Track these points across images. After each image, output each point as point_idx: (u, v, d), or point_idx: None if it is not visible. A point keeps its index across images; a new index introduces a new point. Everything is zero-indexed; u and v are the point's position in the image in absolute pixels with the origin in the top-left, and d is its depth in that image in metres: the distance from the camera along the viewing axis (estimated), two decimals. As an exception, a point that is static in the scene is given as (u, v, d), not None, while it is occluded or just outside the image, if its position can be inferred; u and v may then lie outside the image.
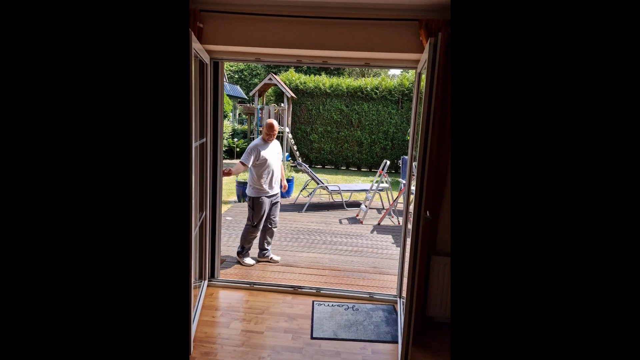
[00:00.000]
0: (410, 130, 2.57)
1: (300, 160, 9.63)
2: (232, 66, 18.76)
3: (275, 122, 3.21)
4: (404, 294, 2.58)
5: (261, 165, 3.16)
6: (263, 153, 3.15)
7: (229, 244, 3.94)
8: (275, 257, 3.47)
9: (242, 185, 6.14)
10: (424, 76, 2.05)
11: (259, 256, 3.42)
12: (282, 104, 10.04)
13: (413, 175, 2.41)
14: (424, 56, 1.96)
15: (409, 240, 2.05)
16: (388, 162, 5.52)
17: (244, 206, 5.86)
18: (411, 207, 2.27)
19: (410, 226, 2.16)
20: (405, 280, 2.56)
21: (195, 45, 1.97)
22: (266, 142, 3.21)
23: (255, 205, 3.20)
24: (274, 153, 3.24)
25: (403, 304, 2.47)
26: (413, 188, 2.34)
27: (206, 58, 2.37)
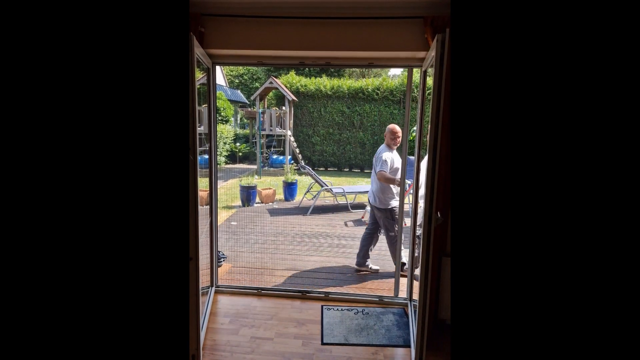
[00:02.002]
0: (416, 130, 2.53)
1: (303, 163, 9.60)
2: (232, 71, 18.81)
3: (397, 126, 3.04)
4: (414, 296, 2.54)
5: (394, 174, 3.01)
6: (395, 161, 3.03)
7: (234, 248, 3.91)
8: (374, 267, 3.31)
9: (246, 190, 6.11)
10: (430, 74, 2.02)
11: (358, 265, 3.28)
12: (284, 107, 10.04)
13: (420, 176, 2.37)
14: (430, 53, 1.93)
15: (419, 242, 2.01)
16: (392, 163, 5.47)
17: (249, 211, 5.83)
18: (419, 208, 2.23)
19: (418, 228, 2.12)
20: (415, 282, 2.52)
21: (197, 49, 1.94)
22: (391, 148, 3.07)
23: (394, 215, 3.02)
24: (399, 160, 3.08)
25: (414, 307, 2.42)
26: (421, 190, 2.30)
27: (208, 62, 2.35)
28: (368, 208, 5.38)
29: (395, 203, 3.04)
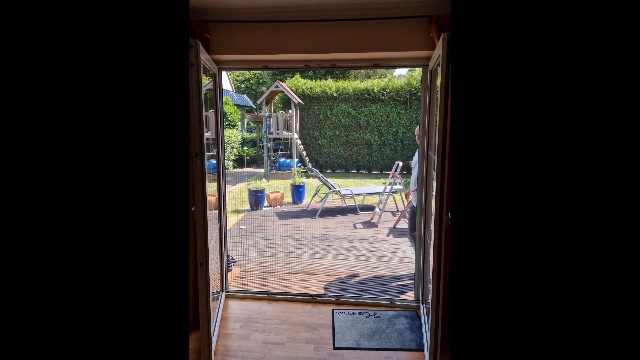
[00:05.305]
0: (420, 130, 2.50)
1: (310, 165, 9.60)
2: (238, 75, 18.97)
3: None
4: (427, 299, 2.50)
5: None
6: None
7: (243, 253, 3.91)
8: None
9: (254, 194, 6.13)
10: (438, 73, 1.99)
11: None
12: (290, 110, 10.07)
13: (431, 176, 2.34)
14: (436, 52, 1.90)
15: (430, 243, 1.98)
16: (400, 164, 5.43)
17: (258, 214, 5.85)
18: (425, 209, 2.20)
19: (429, 230, 2.08)
20: (428, 285, 2.48)
21: (203, 56, 1.95)
22: None
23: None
24: (415, 161, 3.12)
25: (426, 310, 2.38)
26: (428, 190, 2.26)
27: (214, 68, 2.36)
28: (377, 210, 5.36)
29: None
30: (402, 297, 2.82)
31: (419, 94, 9.98)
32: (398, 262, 3.65)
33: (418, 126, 3.02)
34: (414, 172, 3.09)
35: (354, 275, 3.30)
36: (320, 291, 2.92)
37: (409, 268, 3.45)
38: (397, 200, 6.09)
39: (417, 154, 3.20)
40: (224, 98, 11.41)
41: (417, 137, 3.04)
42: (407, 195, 3.36)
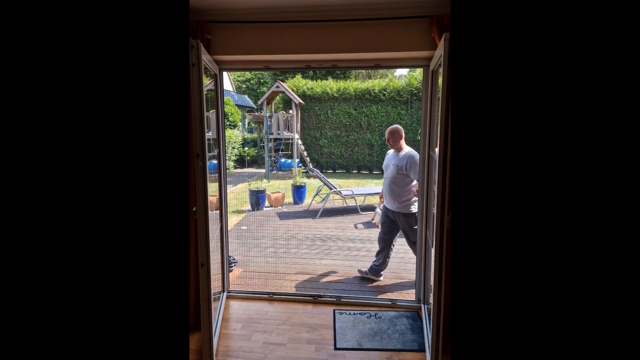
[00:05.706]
0: (421, 131, 2.50)
1: (311, 165, 9.60)
2: (239, 76, 18.99)
3: (391, 128, 3.06)
4: (428, 299, 2.49)
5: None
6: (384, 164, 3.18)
7: (245, 253, 3.91)
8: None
9: (255, 194, 6.14)
10: (439, 74, 1.99)
11: (376, 274, 3.19)
12: (291, 111, 10.08)
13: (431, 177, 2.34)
14: (438, 52, 1.90)
15: (432, 244, 1.98)
16: (401, 164, 5.42)
17: (259, 215, 5.85)
18: (425, 209, 2.20)
19: (430, 230, 2.08)
20: (428, 285, 2.48)
21: (205, 56, 1.95)
22: (391, 151, 3.16)
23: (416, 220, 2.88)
24: (386, 163, 3.18)
25: (428, 310, 2.38)
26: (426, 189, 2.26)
27: (215, 68, 2.37)
28: (378, 210, 5.35)
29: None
30: (401, 295, 2.81)
31: (420, 94, 9.94)
32: (400, 262, 3.65)
33: (388, 129, 3.10)
34: (386, 174, 3.10)
35: (355, 276, 3.29)
36: (322, 291, 2.91)
37: (410, 268, 3.44)
38: (398, 200, 6.09)
39: (387, 156, 3.21)
40: (225, 98, 11.42)
41: (387, 140, 3.10)
42: (381, 197, 3.38)
